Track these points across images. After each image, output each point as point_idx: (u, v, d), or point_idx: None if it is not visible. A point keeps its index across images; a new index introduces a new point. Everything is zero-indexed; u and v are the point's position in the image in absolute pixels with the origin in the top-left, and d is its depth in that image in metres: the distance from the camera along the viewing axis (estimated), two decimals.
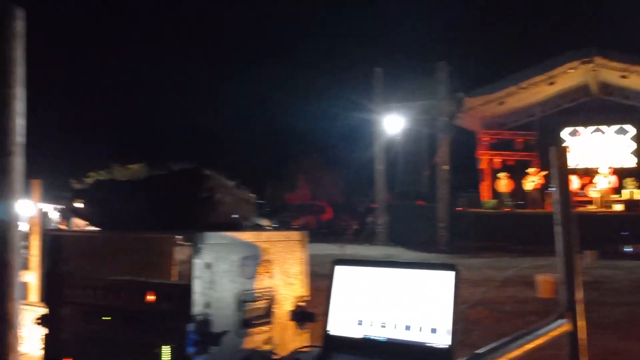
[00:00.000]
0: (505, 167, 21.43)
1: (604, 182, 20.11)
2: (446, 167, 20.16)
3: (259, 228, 2.21)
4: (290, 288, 1.82)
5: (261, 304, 1.70)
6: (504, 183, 20.49)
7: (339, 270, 1.74)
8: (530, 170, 20.28)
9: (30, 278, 3.06)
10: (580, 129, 22.65)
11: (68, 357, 1.73)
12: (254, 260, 1.67)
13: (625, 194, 19.28)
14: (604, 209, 19.21)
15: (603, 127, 22.59)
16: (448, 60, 19.87)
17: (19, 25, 1.03)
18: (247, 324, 1.64)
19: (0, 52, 1.00)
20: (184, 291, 1.49)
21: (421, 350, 1.53)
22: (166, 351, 1.52)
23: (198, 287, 1.49)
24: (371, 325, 1.64)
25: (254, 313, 1.66)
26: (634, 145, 22.29)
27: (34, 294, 3.04)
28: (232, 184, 1.71)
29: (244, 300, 1.63)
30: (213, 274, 1.54)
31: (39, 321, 1.78)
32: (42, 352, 1.77)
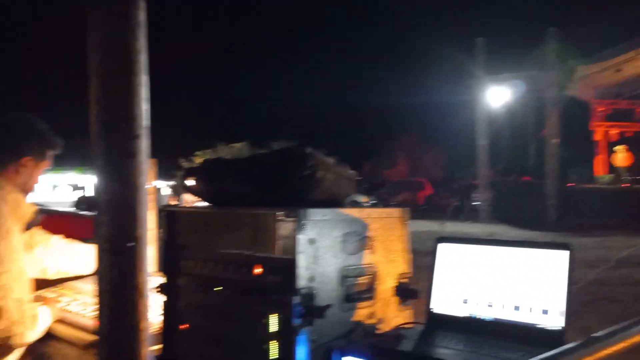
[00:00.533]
0: (622, 140, 19.90)
1: None
2: (556, 141, 19.04)
3: (357, 205, 2.21)
4: (392, 264, 1.82)
5: (363, 279, 1.71)
6: (621, 156, 19.05)
7: (443, 248, 1.71)
8: None
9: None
10: None
11: (184, 324, 1.85)
12: (355, 236, 1.69)
13: None
14: None
15: None
16: (557, 26, 18.60)
17: (142, 16, 1.09)
18: (349, 298, 1.66)
19: (125, 42, 1.07)
20: (289, 265, 1.54)
21: (531, 331, 1.48)
22: (274, 321, 1.59)
23: (302, 262, 1.53)
24: (477, 304, 1.61)
25: (356, 288, 1.69)
26: None
27: (153, 264, 3.27)
28: (332, 162, 1.73)
29: (346, 275, 1.66)
30: (316, 249, 1.57)
31: (159, 289, 1.91)
32: (162, 319, 1.90)
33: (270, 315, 1.60)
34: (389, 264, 1.81)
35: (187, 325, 1.86)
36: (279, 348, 1.58)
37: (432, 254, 1.72)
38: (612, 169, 19.21)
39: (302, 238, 1.53)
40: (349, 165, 1.88)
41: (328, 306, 1.56)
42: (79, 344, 2.07)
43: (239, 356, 1.68)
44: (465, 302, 1.63)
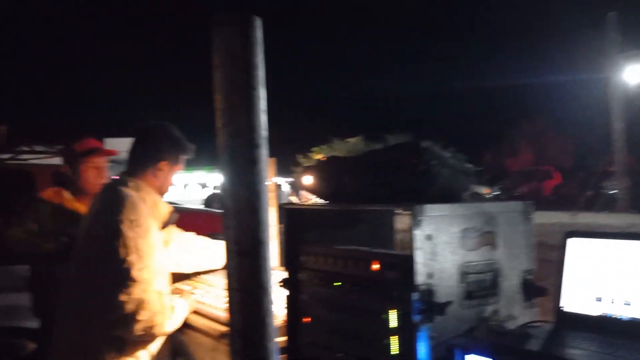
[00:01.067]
0: None
1: None
2: None
3: (478, 197, 2.13)
4: (516, 260, 1.75)
5: (485, 276, 1.66)
6: None
7: (573, 243, 1.61)
8: None
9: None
10: None
11: (307, 317, 1.92)
12: (475, 232, 1.64)
13: None
14: None
15: None
16: None
17: (259, 33, 1.15)
18: (470, 295, 1.62)
19: (245, 59, 1.14)
20: (407, 261, 1.54)
21: None
22: (393, 317, 1.60)
23: (420, 258, 1.52)
24: (612, 302, 1.50)
25: (477, 285, 1.64)
26: None
27: (275, 260, 3.41)
28: (448, 155, 1.70)
29: (466, 272, 1.62)
30: (434, 245, 1.55)
31: (282, 284, 2.00)
32: (285, 312, 1.99)
33: (389, 311, 1.61)
34: (512, 260, 1.74)
35: (309, 319, 1.93)
36: (399, 343, 1.59)
37: (561, 249, 1.63)
38: None
39: (419, 234, 1.52)
40: (468, 154, 1.83)
41: (448, 303, 1.54)
42: (213, 334, 2.21)
43: (360, 349, 1.71)
44: (598, 300, 1.52)
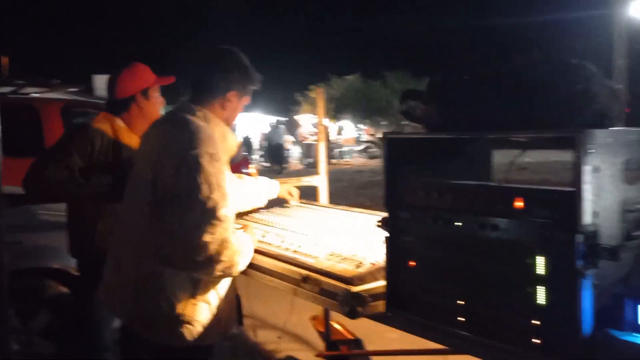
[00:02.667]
0: None
1: None
2: None
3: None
4: None
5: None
6: None
7: None
8: None
9: (319, 182, 3.21)
10: None
11: (413, 260, 1.70)
12: (636, 163, 1.41)
13: None
14: None
15: None
16: None
17: None
18: (629, 236, 1.40)
19: None
20: (569, 198, 1.30)
21: None
22: (540, 262, 1.38)
23: (588, 194, 1.29)
24: None
25: (635, 224, 1.42)
26: None
27: (324, 196, 3.20)
28: (601, 74, 1.43)
29: (627, 209, 1.39)
30: (600, 179, 1.31)
31: (380, 224, 1.77)
32: (385, 256, 1.77)
33: (536, 256, 1.39)
34: None
35: (415, 263, 1.71)
36: (547, 293, 1.38)
37: None
38: None
39: (587, 166, 1.28)
40: None
41: (621, 246, 1.32)
42: (292, 277, 2.00)
43: (489, 297, 1.50)
44: None
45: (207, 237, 1.81)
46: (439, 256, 1.62)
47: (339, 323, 3.43)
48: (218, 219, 1.83)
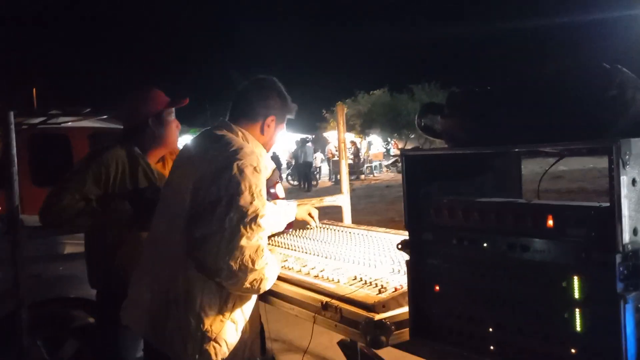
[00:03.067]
0: None
1: None
2: None
3: None
4: None
5: None
6: None
7: None
8: None
9: (342, 201, 3.12)
10: None
11: (436, 284, 1.59)
12: None
13: None
14: None
15: None
16: None
17: None
18: None
19: None
20: (604, 214, 1.18)
21: None
22: (576, 285, 1.26)
23: (625, 210, 1.17)
24: None
25: None
26: None
27: (348, 216, 3.11)
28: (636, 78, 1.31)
29: None
30: (638, 193, 1.19)
31: (401, 246, 1.67)
32: (407, 280, 1.66)
33: (572, 279, 1.27)
34: None
35: (437, 287, 1.60)
36: (584, 319, 1.25)
37: None
38: None
39: (624, 178, 1.16)
40: None
41: None
42: (312, 304, 1.91)
43: (521, 323, 1.38)
44: None
45: (244, 242, 1.82)
46: (466, 280, 1.51)
47: (367, 348, 3.30)
48: (258, 225, 1.85)
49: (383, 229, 2.67)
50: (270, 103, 2.18)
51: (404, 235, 2.48)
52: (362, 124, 25.81)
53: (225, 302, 1.96)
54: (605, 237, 1.19)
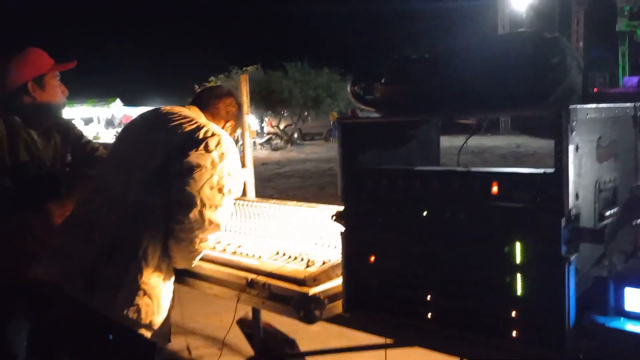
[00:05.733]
0: None
1: None
2: (579, 45, 18.33)
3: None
4: (627, 175, 1.50)
5: (609, 193, 1.40)
6: None
7: None
8: None
9: (246, 175, 3.00)
10: None
11: (374, 254, 1.57)
12: (606, 140, 1.36)
13: None
14: None
15: None
16: None
17: None
18: (602, 217, 1.36)
19: None
20: (553, 180, 1.22)
21: None
22: (520, 250, 1.29)
23: (572, 175, 1.21)
24: None
25: (605, 205, 1.38)
26: None
27: (252, 191, 2.99)
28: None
29: (600, 189, 1.34)
30: (579, 159, 1.25)
31: (336, 217, 1.62)
32: (342, 252, 1.62)
33: (515, 243, 1.30)
34: (626, 174, 1.49)
35: (373, 258, 1.58)
36: (527, 283, 1.30)
37: None
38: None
39: (571, 145, 1.20)
40: None
41: (605, 227, 1.26)
42: (236, 282, 1.81)
43: (462, 290, 1.40)
44: None
45: (226, 200, 1.91)
46: (405, 249, 1.50)
47: (268, 324, 3.24)
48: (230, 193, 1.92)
49: (293, 202, 2.60)
50: (235, 111, 2.29)
51: (315, 208, 2.45)
52: None
53: (167, 258, 1.90)
54: (551, 202, 1.23)
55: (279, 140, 24.28)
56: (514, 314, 1.32)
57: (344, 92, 29.13)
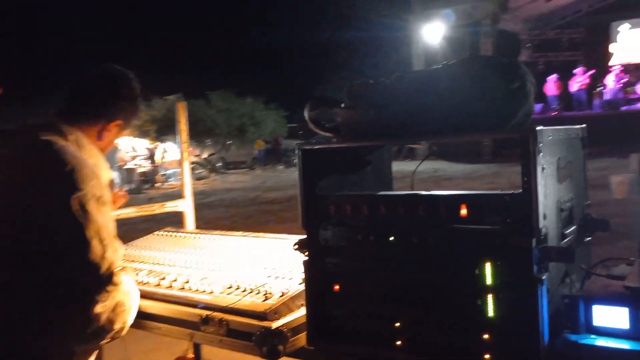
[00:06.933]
0: (551, 68, 20.53)
1: None
2: None
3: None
4: (579, 194, 1.55)
5: (567, 213, 1.44)
6: (551, 86, 19.69)
7: None
8: (577, 70, 19.52)
9: (185, 206, 2.88)
10: (629, 22, 21.54)
11: (339, 282, 1.52)
12: (563, 161, 1.40)
13: None
14: None
15: None
16: None
17: None
18: (563, 236, 1.39)
19: None
20: (522, 201, 1.23)
21: None
22: (490, 272, 1.29)
23: (540, 195, 1.23)
24: None
25: (564, 224, 1.41)
26: None
27: (191, 222, 2.87)
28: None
29: (561, 208, 1.38)
30: (545, 179, 1.27)
31: (298, 247, 1.56)
32: (305, 282, 1.56)
33: (485, 266, 1.30)
34: (579, 193, 1.54)
35: (338, 287, 1.53)
36: (499, 305, 1.29)
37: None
38: (542, 97, 19.75)
39: (539, 166, 1.22)
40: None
41: (570, 246, 1.29)
42: (190, 320, 1.69)
43: (432, 315, 1.38)
44: None
45: (99, 308, 1.48)
46: (371, 276, 1.47)
47: None
48: (113, 283, 1.51)
49: (239, 233, 2.51)
50: (120, 104, 1.78)
51: (263, 238, 2.37)
52: (157, 130, 24.78)
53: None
54: (521, 223, 1.24)
55: (202, 170, 23.82)
56: (486, 336, 1.31)
57: (269, 120, 29.21)
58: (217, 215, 12.13)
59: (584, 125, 1.60)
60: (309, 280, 1.55)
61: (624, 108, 18.54)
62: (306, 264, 1.56)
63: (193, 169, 25.13)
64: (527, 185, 1.22)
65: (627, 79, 19.79)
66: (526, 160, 1.22)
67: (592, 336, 1.23)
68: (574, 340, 1.22)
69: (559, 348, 1.24)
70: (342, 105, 1.50)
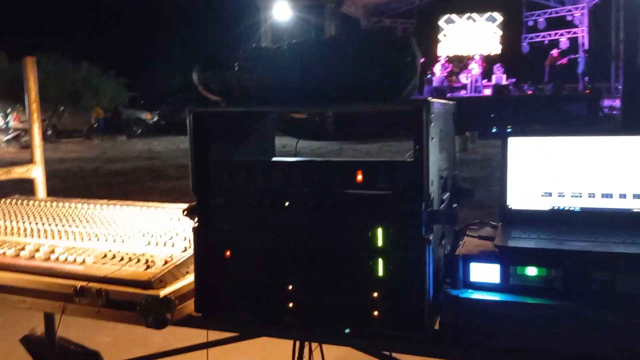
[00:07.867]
0: None
1: (475, 69, 21.63)
2: None
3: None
4: (450, 162, 1.70)
5: (444, 181, 1.57)
6: None
7: (513, 143, 1.65)
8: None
9: (37, 173, 2.60)
10: (454, 16, 23.72)
11: (230, 249, 1.51)
12: (443, 133, 1.52)
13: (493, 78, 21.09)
14: (475, 94, 20.84)
15: (474, 15, 23.95)
16: None
17: None
18: (442, 201, 1.52)
19: None
20: (414, 169, 1.32)
21: (626, 217, 1.53)
22: (382, 235, 1.37)
23: (430, 164, 1.33)
24: (560, 195, 1.60)
25: (442, 189, 1.54)
26: (500, 33, 24.14)
27: (42, 190, 2.60)
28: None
29: (440, 176, 1.50)
30: (432, 148, 1.37)
31: (187, 212, 1.51)
32: (194, 249, 1.52)
33: (377, 229, 1.38)
34: (449, 162, 1.69)
35: (231, 253, 1.52)
36: (389, 265, 1.38)
37: (503, 148, 1.66)
38: None
39: (429, 135, 1.31)
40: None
41: (454, 210, 1.40)
42: (61, 292, 1.56)
43: (325, 278, 1.43)
44: (546, 194, 1.61)
45: None
46: (265, 242, 1.47)
47: (63, 339, 2.87)
48: None
49: (104, 201, 2.34)
50: None
51: (133, 206, 2.25)
52: None
53: None
54: (413, 189, 1.33)
55: (28, 137, 21.54)
56: (375, 294, 1.39)
57: (107, 87, 27.19)
58: (52, 186, 11.13)
59: (454, 102, 1.75)
60: (198, 246, 1.52)
61: (448, 95, 20.49)
62: (195, 230, 1.51)
63: (18, 136, 22.64)
64: (419, 154, 1.32)
65: (450, 69, 21.93)
66: (419, 130, 1.31)
67: (470, 291, 1.37)
68: (455, 294, 1.35)
69: (442, 302, 1.36)
70: (236, 68, 1.46)
